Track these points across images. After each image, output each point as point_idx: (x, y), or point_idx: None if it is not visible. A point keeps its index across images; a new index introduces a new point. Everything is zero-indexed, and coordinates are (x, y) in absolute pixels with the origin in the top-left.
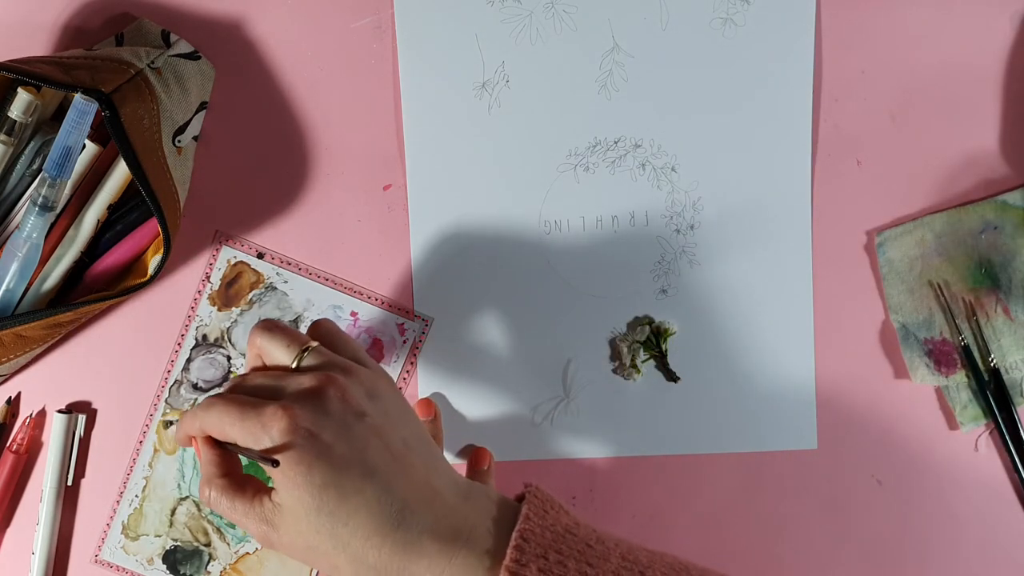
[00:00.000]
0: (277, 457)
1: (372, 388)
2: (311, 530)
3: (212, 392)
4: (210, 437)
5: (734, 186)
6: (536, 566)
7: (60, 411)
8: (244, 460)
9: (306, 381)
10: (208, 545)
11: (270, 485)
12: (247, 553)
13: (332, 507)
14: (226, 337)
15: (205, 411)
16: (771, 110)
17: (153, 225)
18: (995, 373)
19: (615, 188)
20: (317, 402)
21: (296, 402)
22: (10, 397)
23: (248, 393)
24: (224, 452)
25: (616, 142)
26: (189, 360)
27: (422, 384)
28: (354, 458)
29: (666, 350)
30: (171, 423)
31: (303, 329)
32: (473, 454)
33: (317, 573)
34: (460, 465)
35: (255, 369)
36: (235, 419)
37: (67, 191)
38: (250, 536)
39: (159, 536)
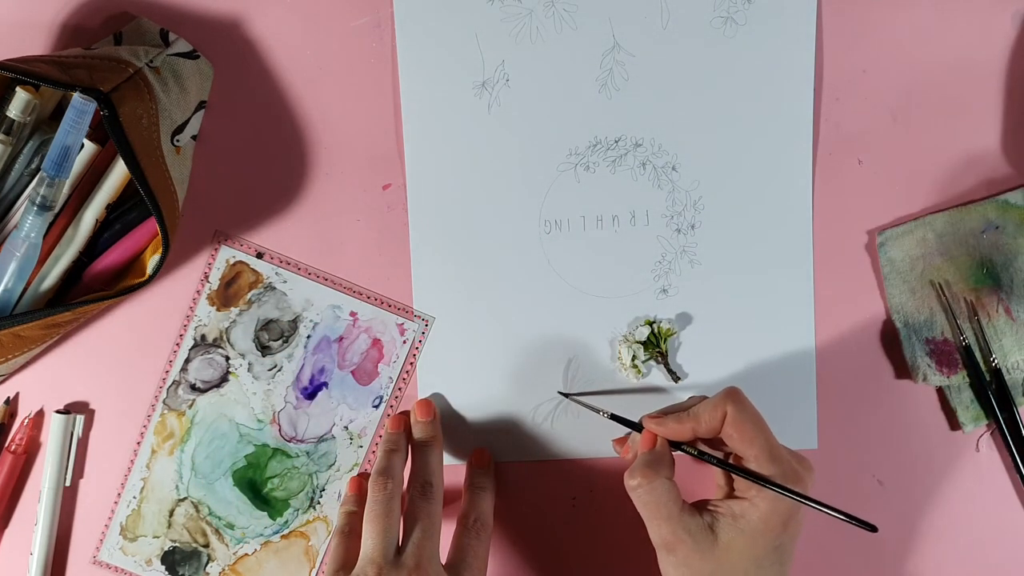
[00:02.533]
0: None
1: None
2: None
3: (210, 391)
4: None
5: (735, 185)
6: None
7: (58, 411)
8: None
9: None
10: (207, 546)
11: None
12: (246, 554)
13: (762, 564)
14: (225, 337)
15: (740, 423)
16: (772, 109)
17: (152, 225)
18: (996, 373)
19: (615, 187)
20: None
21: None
22: (8, 397)
23: None
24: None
25: (616, 141)
26: (187, 360)
27: (422, 384)
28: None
29: (666, 350)
30: (630, 423)
31: (302, 330)
32: (473, 454)
33: None
34: (460, 466)
35: None
36: (785, 467)
37: (65, 190)
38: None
39: (157, 537)
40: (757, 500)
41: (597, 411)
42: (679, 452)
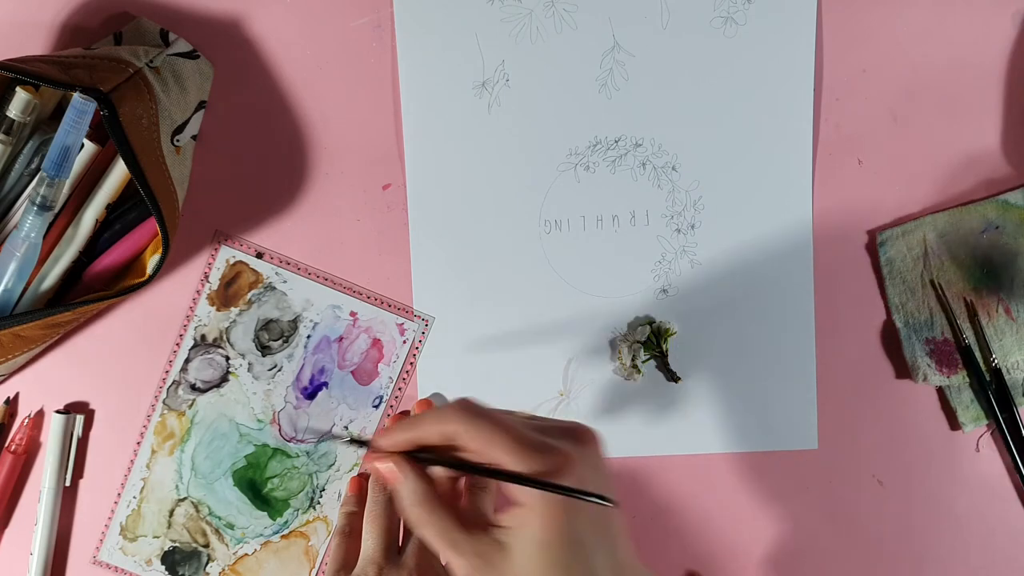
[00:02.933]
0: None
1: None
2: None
3: (210, 391)
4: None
5: (735, 185)
6: None
7: (58, 411)
8: None
9: (593, 462)
10: (207, 546)
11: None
12: (245, 554)
13: (565, 565)
14: (225, 337)
15: (464, 420)
16: (772, 109)
17: (151, 225)
18: (996, 373)
19: (615, 187)
20: (606, 481)
21: (601, 475)
22: (8, 397)
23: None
24: (425, 471)
25: (616, 141)
26: (187, 360)
27: (422, 384)
28: (604, 547)
29: (666, 350)
30: (361, 442)
31: (302, 330)
32: None
33: None
34: None
35: None
36: (512, 445)
37: (65, 190)
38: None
39: (157, 537)
40: (531, 500)
41: (340, 438)
42: (427, 462)
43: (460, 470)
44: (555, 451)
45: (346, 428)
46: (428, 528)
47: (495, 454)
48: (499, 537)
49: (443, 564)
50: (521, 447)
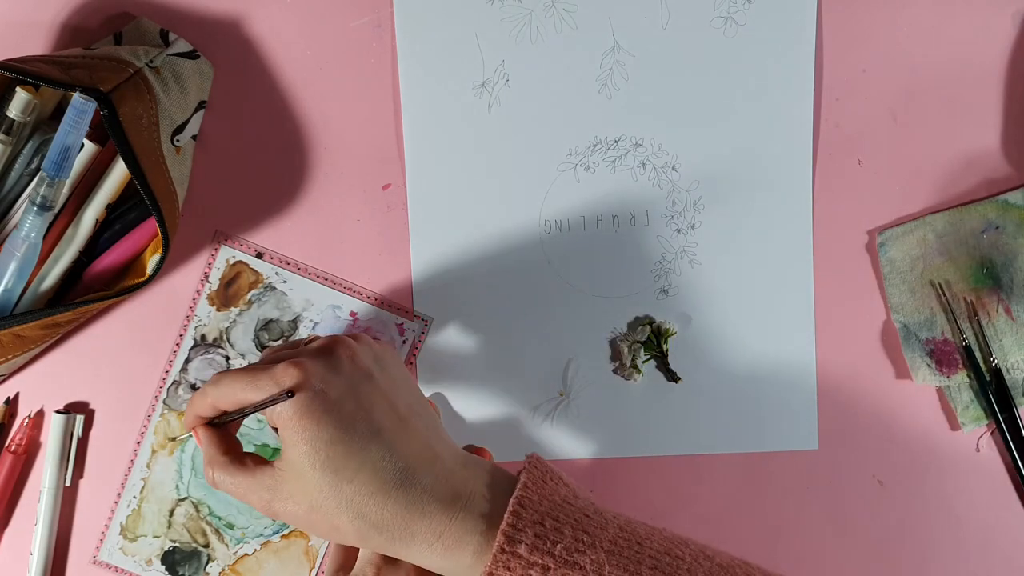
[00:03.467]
0: (286, 409)
1: (379, 354)
2: (315, 488)
3: None
4: (209, 422)
5: (735, 185)
6: (532, 532)
7: (58, 411)
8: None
9: (316, 343)
10: (207, 546)
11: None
12: (246, 555)
13: (338, 463)
14: (225, 337)
15: (215, 385)
16: (772, 109)
17: (151, 225)
18: (997, 373)
19: (615, 187)
20: (327, 360)
21: (307, 359)
22: (8, 397)
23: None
24: (224, 433)
25: (616, 141)
26: (187, 360)
27: (422, 384)
28: (361, 416)
29: (666, 350)
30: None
31: (302, 330)
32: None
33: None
34: None
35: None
36: (246, 383)
37: (65, 190)
38: (255, 510)
39: (157, 537)
40: (279, 422)
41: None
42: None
43: (231, 420)
44: (276, 369)
45: None
46: (220, 482)
47: (239, 396)
48: (277, 467)
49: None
50: (248, 377)
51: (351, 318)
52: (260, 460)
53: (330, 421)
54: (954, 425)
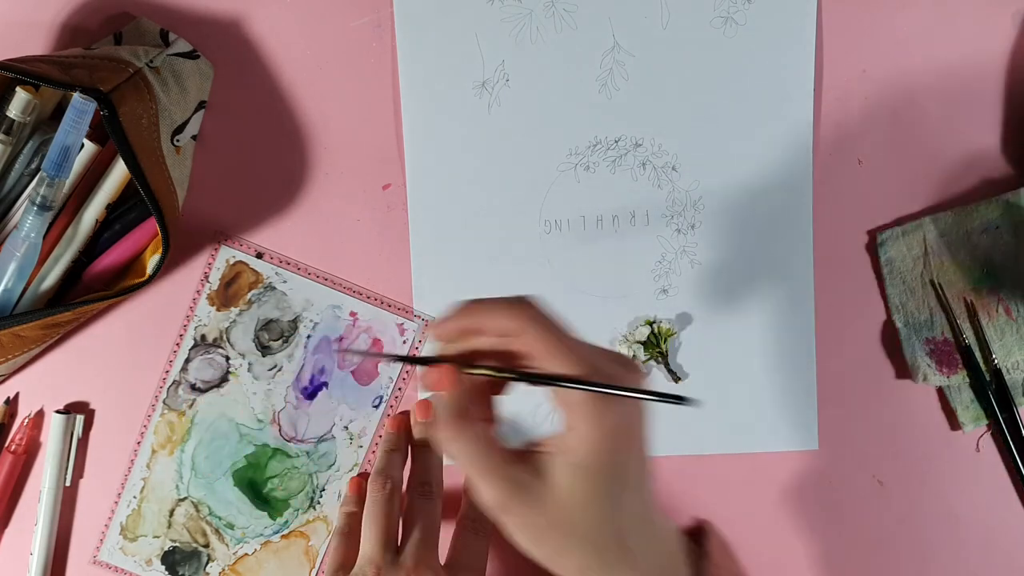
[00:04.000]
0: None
1: None
2: (585, 499)
3: (210, 391)
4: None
5: (735, 185)
6: None
7: (58, 411)
8: None
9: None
10: (207, 546)
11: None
12: (246, 554)
13: (606, 495)
14: (225, 337)
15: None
16: (772, 109)
17: (151, 225)
18: (997, 373)
19: (615, 187)
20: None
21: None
22: (8, 397)
23: None
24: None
25: (616, 141)
26: (187, 360)
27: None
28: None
29: (666, 350)
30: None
31: (302, 329)
32: None
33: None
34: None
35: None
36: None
37: (65, 190)
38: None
39: (157, 537)
40: (579, 424)
41: (383, 357)
42: (476, 372)
43: (518, 379)
44: (614, 371)
45: (346, 428)
46: (460, 446)
47: (555, 364)
48: (537, 463)
49: (469, 499)
50: (583, 357)
51: (351, 318)
52: (527, 451)
53: (627, 475)
54: (954, 425)
